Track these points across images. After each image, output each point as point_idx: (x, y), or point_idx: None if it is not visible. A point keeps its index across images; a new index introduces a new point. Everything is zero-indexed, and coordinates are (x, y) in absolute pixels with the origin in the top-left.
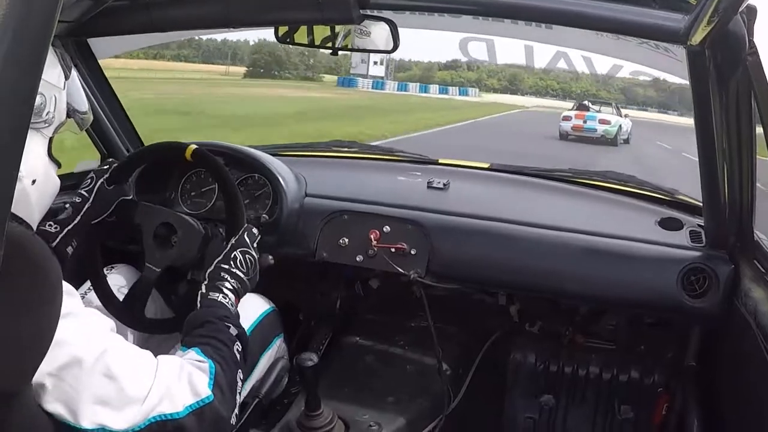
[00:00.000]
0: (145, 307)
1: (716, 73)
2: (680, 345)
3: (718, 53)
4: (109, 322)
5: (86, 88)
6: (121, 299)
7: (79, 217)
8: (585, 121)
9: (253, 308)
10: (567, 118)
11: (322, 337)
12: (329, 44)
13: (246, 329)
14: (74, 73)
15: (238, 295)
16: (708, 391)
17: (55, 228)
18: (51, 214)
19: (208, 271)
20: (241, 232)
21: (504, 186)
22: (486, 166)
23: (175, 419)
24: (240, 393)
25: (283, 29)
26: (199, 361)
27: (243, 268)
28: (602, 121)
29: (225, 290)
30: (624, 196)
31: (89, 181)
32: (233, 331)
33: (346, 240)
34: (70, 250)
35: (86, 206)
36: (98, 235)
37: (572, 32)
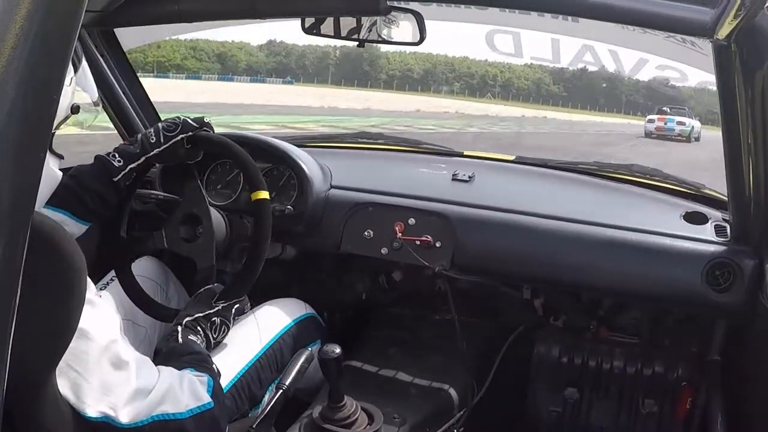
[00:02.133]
0: (135, 257)
1: (742, 68)
2: (704, 339)
3: (745, 47)
4: (118, 318)
5: (113, 77)
6: (145, 290)
7: (143, 159)
8: (666, 123)
9: (288, 312)
10: (651, 120)
11: (346, 328)
12: (355, 36)
13: (278, 332)
14: (84, 64)
15: (202, 351)
16: (732, 385)
17: (119, 162)
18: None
19: (187, 319)
20: (231, 303)
21: (529, 179)
22: (511, 158)
23: (178, 420)
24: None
25: (309, 20)
26: (198, 375)
27: (215, 333)
28: (679, 123)
29: (199, 339)
30: (649, 189)
31: (173, 126)
32: (216, 368)
33: (371, 232)
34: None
35: (155, 150)
36: (142, 179)
37: (600, 26)
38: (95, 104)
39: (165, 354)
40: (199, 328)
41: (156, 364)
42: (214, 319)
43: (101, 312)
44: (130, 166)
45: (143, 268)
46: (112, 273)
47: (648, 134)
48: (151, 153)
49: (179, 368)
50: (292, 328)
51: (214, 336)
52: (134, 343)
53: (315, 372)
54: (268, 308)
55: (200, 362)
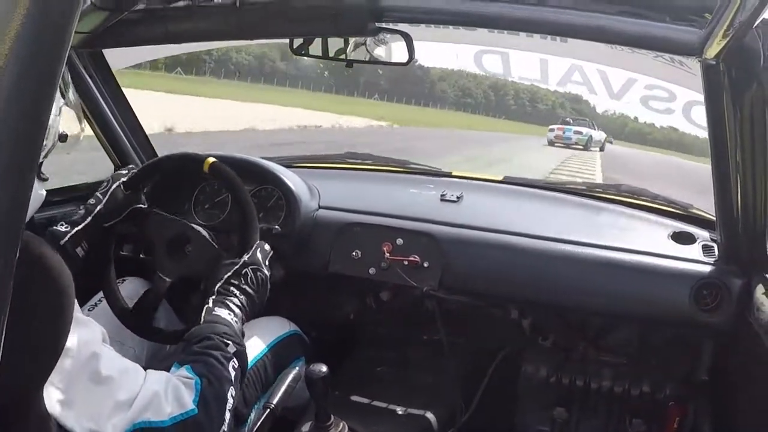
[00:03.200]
0: (154, 316)
1: (731, 87)
2: (692, 359)
3: (733, 67)
4: (101, 330)
5: (101, 98)
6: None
7: (90, 218)
8: (564, 132)
9: (271, 330)
10: (552, 130)
11: (334, 348)
12: (343, 56)
13: (261, 350)
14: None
15: (246, 311)
16: (720, 405)
17: (65, 227)
18: (66, 216)
19: (218, 285)
20: (254, 248)
21: (517, 199)
22: (499, 179)
23: (160, 428)
24: (229, 410)
25: (297, 41)
26: (187, 377)
27: (253, 285)
28: (576, 132)
29: (232, 306)
30: (637, 209)
31: (105, 183)
32: (231, 348)
33: (359, 252)
34: (80, 251)
35: (98, 208)
36: (110, 241)
37: (588, 46)
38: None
39: (186, 340)
40: (233, 289)
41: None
42: (244, 271)
43: (83, 328)
44: (75, 230)
45: (130, 290)
46: (100, 294)
47: (550, 142)
48: (95, 211)
49: (182, 363)
50: (276, 346)
51: (254, 288)
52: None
53: (302, 391)
54: (251, 326)
55: (206, 353)
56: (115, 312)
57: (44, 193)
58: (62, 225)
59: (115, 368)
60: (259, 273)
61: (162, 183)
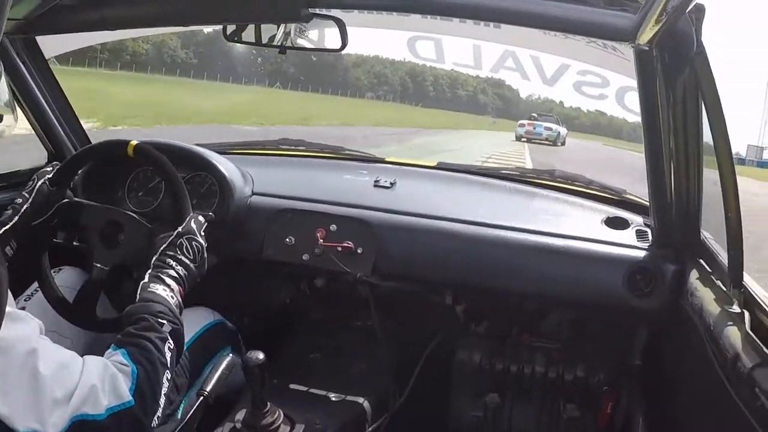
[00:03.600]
0: (95, 306)
1: (664, 73)
2: (626, 344)
3: (666, 53)
4: (38, 323)
5: (34, 86)
6: (70, 300)
7: (17, 218)
8: (534, 128)
9: (195, 320)
10: (522, 125)
11: (268, 335)
12: (277, 43)
13: (188, 340)
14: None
15: (184, 283)
16: (653, 389)
17: None
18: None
19: (153, 258)
20: (187, 219)
21: (450, 185)
22: (433, 164)
23: (96, 421)
24: (164, 395)
25: (230, 27)
26: (124, 364)
27: (189, 254)
28: (546, 128)
29: (168, 280)
30: (571, 195)
31: (30, 182)
32: (167, 327)
33: (293, 239)
34: (9, 251)
35: (24, 207)
36: (42, 238)
37: (521, 32)
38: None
39: (123, 319)
40: (169, 260)
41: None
42: (179, 241)
43: (19, 324)
44: (3, 230)
45: (66, 279)
46: (35, 285)
47: (518, 137)
48: (22, 210)
49: (119, 345)
50: (202, 335)
51: (191, 257)
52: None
53: (235, 378)
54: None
55: (139, 338)
56: (53, 305)
57: None
58: None
59: (53, 364)
60: (194, 242)
61: (94, 173)
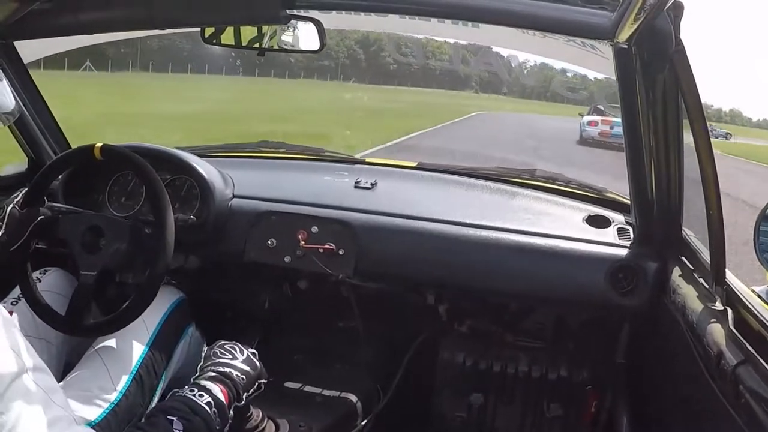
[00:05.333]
0: (89, 314)
1: (643, 71)
2: (609, 342)
3: (645, 50)
4: (17, 365)
5: (13, 92)
6: (53, 305)
7: None
8: (612, 128)
9: (163, 300)
10: (593, 123)
11: (251, 337)
12: (256, 45)
13: (159, 319)
14: None
15: (227, 381)
16: (637, 387)
17: None
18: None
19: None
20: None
21: (431, 185)
22: (413, 165)
23: None
24: None
25: (209, 30)
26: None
27: (233, 354)
28: None
29: (203, 382)
30: (551, 194)
31: (0, 210)
32: (176, 424)
33: (275, 241)
34: None
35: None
36: (23, 258)
37: (500, 31)
38: (10, 113)
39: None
40: (209, 364)
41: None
42: (214, 350)
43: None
44: None
45: (50, 283)
46: (16, 292)
47: (585, 141)
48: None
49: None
50: (173, 313)
51: (229, 356)
52: (46, 361)
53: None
54: None
55: (144, 428)
56: (41, 317)
57: None
58: None
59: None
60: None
61: (74, 180)
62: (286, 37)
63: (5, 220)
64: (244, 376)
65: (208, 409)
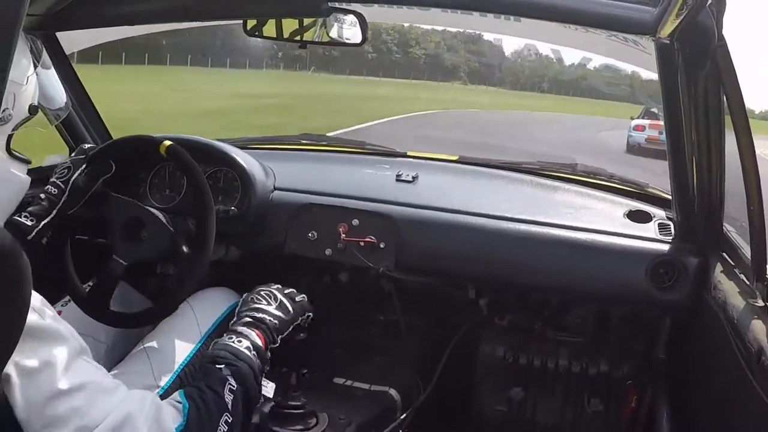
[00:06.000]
0: (110, 299)
1: (685, 66)
2: (649, 338)
3: (687, 46)
4: (77, 344)
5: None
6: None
7: (55, 211)
8: (661, 132)
9: (221, 300)
10: (639, 128)
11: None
12: (297, 37)
13: (214, 321)
14: (47, 68)
15: (263, 327)
16: (677, 383)
17: (32, 221)
18: (24, 205)
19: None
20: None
21: (472, 179)
22: (454, 158)
23: None
24: None
25: (251, 22)
26: (177, 401)
27: (270, 301)
28: None
29: (240, 328)
30: (593, 188)
31: (65, 171)
32: (225, 370)
33: (315, 233)
34: (44, 242)
35: (63, 199)
36: (69, 228)
37: (542, 26)
38: (62, 108)
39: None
40: (245, 311)
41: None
42: (251, 296)
43: (56, 342)
44: (43, 222)
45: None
46: (67, 297)
47: (632, 149)
48: (60, 203)
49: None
50: (227, 316)
51: (272, 303)
52: (95, 359)
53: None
54: (202, 296)
55: (198, 381)
56: (70, 295)
57: (28, 177)
58: (27, 218)
59: (82, 388)
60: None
61: (117, 166)
62: (328, 30)
63: (69, 186)
64: (276, 321)
65: (248, 352)
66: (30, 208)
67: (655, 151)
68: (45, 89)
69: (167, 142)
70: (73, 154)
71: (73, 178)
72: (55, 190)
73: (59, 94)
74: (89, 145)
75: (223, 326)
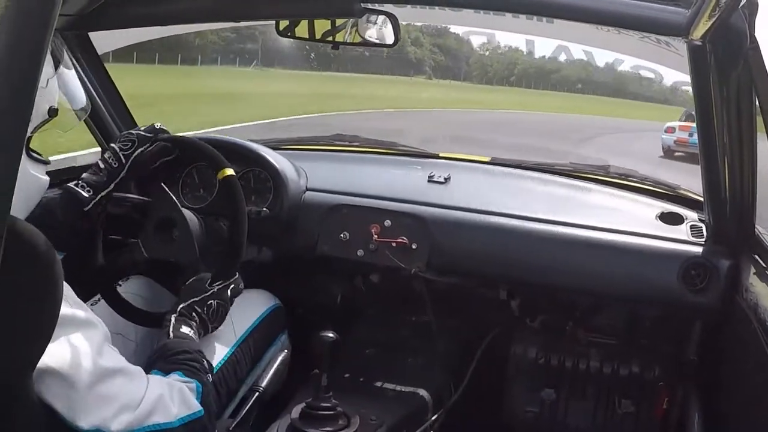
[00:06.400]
0: (116, 281)
1: (717, 68)
2: (681, 339)
3: (719, 48)
4: (104, 331)
5: (87, 83)
6: (135, 305)
7: (113, 185)
8: (691, 134)
9: (259, 303)
10: (670, 130)
11: (323, 330)
12: (330, 38)
13: (251, 324)
14: (67, 69)
15: (199, 336)
16: (709, 385)
17: (88, 192)
18: (79, 172)
19: (181, 306)
20: (227, 284)
21: (504, 180)
22: (487, 159)
23: (169, 429)
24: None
25: (284, 23)
26: (186, 381)
27: (212, 317)
28: None
29: (193, 327)
30: (625, 190)
31: (129, 144)
32: (206, 364)
33: (347, 234)
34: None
35: (122, 174)
36: (112, 209)
37: (573, 26)
38: (82, 110)
39: (155, 353)
40: (194, 314)
41: (147, 365)
42: (210, 302)
43: (87, 327)
44: (100, 195)
45: (133, 287)
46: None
47: (667, 152)
48: (119, 178)
49: (167, 371)
50: (264, 320)
51: (212, 320)
52: (124, 357)
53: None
54: (239, 299)
55: (189, 363)
56: (115, 309)
57: (47, 179)
58: (84, 189)
59: (119, 370)
60: (221, 309)
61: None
62: (361, 31)
63: (130, 162)
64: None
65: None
66: (85, 176)
67: (679, 153)
68: (66, 90)
69: (229, 171)
70: (142, 129)
71: (136, 154)
72: (116, 162)
73: (80, 96)
74: (161, 125)
75: (260, 330)
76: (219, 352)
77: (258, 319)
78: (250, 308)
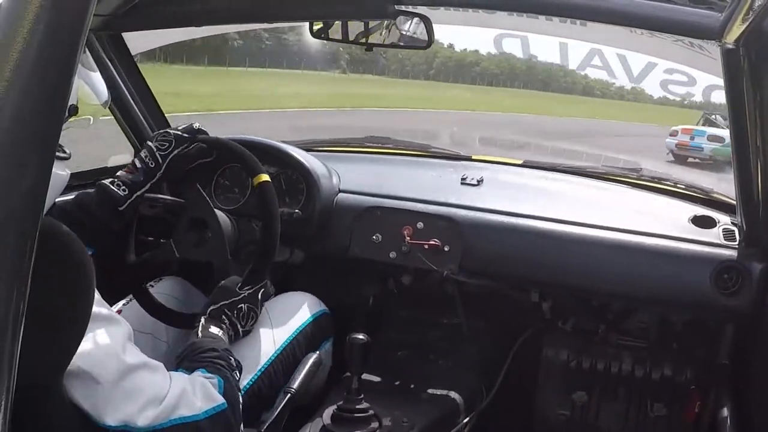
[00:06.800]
0: (146, 277)
1: (750, 71)
2: (713, 343)
3: (753, 51)
4: (127, 328)
5: (121, 83)
6: (168, 305)
7: (149, 185)
8: (692, 137)
9: (301, 311)
10: (673, 134)
11: (355, 332)
12: (363, 40)
13: (291, 333)
14: (91, 65)
15: (230, 340)
16: (741, 389)
17: (124, 191)
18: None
19: (212, 308)
20: (258, 287)
21: (537, 182)
22: (519, 162)
23: (195, 422)
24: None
25: (317, 24)
26: (208, 377)
27: (243, 321)
28: (712, 138)
29: (223, 329)
30: (658, 193)
31: (166, 144)
32: (233, 362)
33: (380, 236)
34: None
35: (158, 175)
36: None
37: (609, 30)
38: (103, 106)
39: (183, 352)
40: (224, 317)
41: (175, 364)
42: (240, 305)
43: (110, 324)
44: (136, 194)
45: (165, 288)
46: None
47: (676, 157)
48: (155, 178)
49: (191, 369)
50: (308, 327)
51: (243, 324)
52: (154, 357)
53: (321, 375)
54: (282, 303)
55: (214, 360)
56: (146, 309)
57: (67, 173)
58: (120, 188)
59: (143, 366)
60: (252, 312)
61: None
62: (393, 32)
63: (167, 162)
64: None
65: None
66: (121, 175)
67: (680, 155)
68: (87, 88)
69: (265, 177)
70: (179, 128)
71: (173, 155)
72: (152, 162)
73: (101, 93)
74: (200, 126)
75: (304, 336)
76: (255, 363)
77: (302, 326)
78: (293, 313)
